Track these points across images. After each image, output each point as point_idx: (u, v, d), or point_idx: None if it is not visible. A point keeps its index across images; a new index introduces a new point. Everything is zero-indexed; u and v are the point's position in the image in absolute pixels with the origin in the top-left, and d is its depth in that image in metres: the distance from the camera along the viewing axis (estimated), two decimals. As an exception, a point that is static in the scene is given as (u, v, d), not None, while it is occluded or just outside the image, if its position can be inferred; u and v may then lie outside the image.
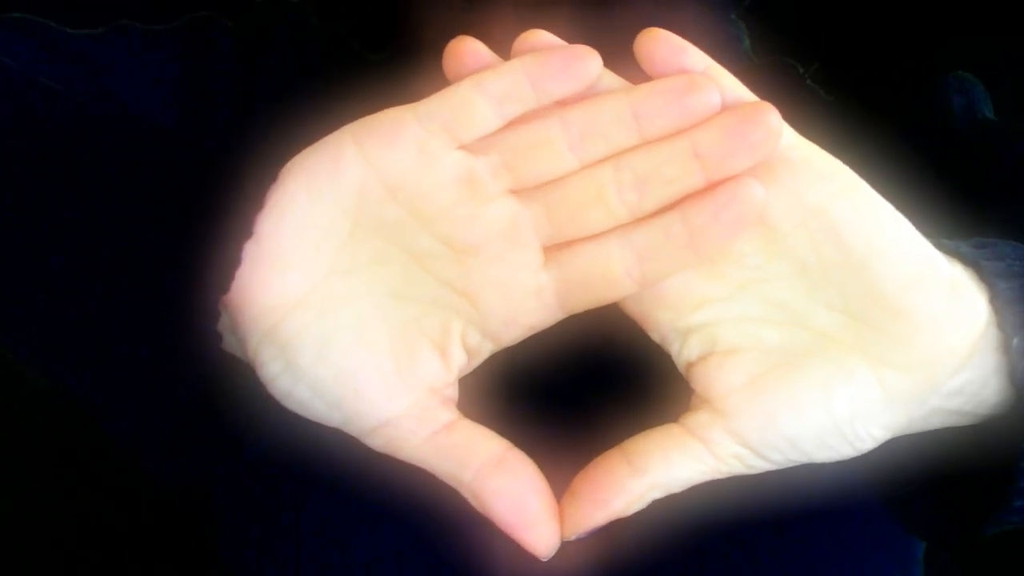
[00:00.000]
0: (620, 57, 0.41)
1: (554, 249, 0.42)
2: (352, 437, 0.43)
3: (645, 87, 0.40)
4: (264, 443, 0.48)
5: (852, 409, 0.41)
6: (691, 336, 0.43)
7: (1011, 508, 0.44)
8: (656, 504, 0.43)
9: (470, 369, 0.44)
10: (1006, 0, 0.72)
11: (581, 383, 0.51)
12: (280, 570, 0.53)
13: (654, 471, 0.42)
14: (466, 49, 0.41)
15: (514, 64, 0.40)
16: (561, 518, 0.42)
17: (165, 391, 0.44)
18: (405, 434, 0.42)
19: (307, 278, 0.41)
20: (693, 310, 0.43)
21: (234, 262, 0.40)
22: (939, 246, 0.42)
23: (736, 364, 0.42)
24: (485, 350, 0.44)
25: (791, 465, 0.43)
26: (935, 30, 0.69)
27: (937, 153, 0.55)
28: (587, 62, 0.40)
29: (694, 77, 0.40)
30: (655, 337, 0.44)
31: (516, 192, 0.42)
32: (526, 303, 0.42)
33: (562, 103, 0.41)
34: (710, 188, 0.40)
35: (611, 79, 0.41)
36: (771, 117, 0.40)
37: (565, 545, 0.42)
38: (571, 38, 0.41)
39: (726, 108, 0.40)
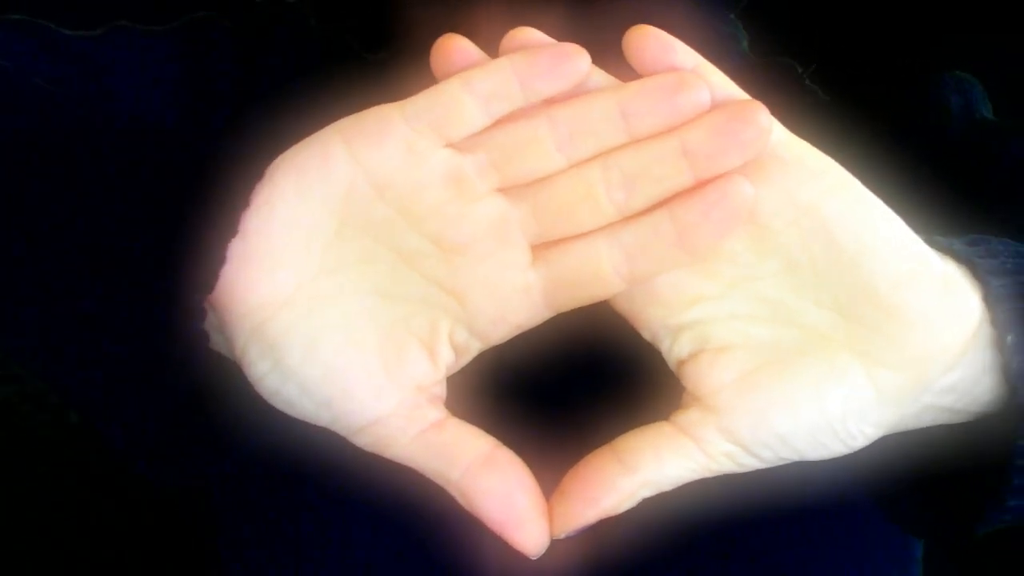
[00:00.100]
0: (611, 55, 0.41)
1: (542, 248, 0.42)
2: (340, 437, 0.43)
3: (633, 85, 0.40)
4: (253, 443, 0.48)
5: (844, 407, 0.41)
6: (682, 334, 0.43)
7: (1005, 507, 0.44)
8: (647, 503, 0.43)
9: (458, 368, 0.44)
10: (1001, -1, 0.72)
11: (571, 381, 0.51)
12: (280, 571, 0.53)
13: (645, 469, 0.42)
14: (454, 47, 0.41)
15: (502, 62, 0.40)
16: (550, 516, 0.42)
17: (153, 390, 0.44)
18: (393, 433, 0.42)
19: (295, 277, 0.41)
20: (684, 308, 0.43)
21: (219, 260, 0.40)
22: (932, 243, 0.42)
23: (727, 362, 0.42)
24: (473, 348, 0.44)
25: (782, 463, 0.43)
26: (931, 28, 0.69)
27: (934, 153, 0.55)
28: (576, 61, 0.40)
29: (683, 75, 0.40)
30: (646, 335, 0.44)
31: (504, 191, 0.41)
32: (514, 301, 0.42)
33: (551, 101, 0.41)
34: (699, 186, 0.40)
35: (600, 77, 0.41)
36: (761, 116, 0.40)
37: (555, 544, 0.42)
38: (561, 36, 0.41)
39: (716, 106, 0.40)
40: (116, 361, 0.43)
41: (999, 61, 0.61)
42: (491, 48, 0.41)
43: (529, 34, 0.40)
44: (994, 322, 0.42)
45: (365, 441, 0.42)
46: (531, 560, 0.42)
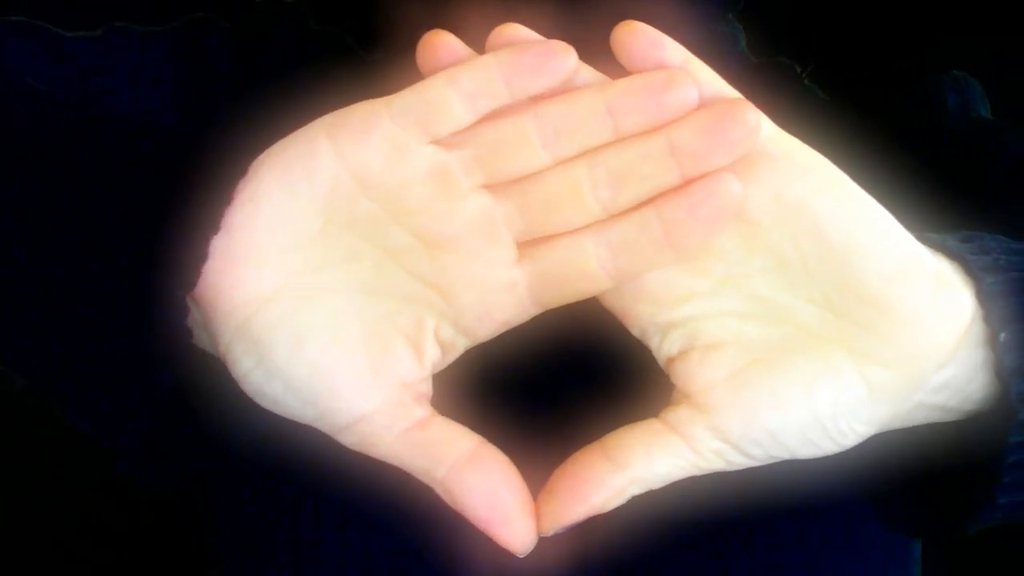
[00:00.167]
0: (601, 52, 0.41)
1: (528, 245, 0.42)
2: (326, 436, 0.43)
3: (620, 83, 0.40)
4: (239, 441, 0.48)
5: (835, 404, 0.41)
6: (672, 331, 0.43)
7: (996, 504, 0.44)
8: (635, 500, 0.43)
9: (444, 365, 0.44)
10: (999, 0, 0.72)
11: (560, 378, 0.51)
12: (278, 571, 0.53)
13: (634, 466, 0.42)
14: (440, 43, 0.40)
15: (487, 59, 0.40)
16: (538, 514, 0.42)
17: (136, 386, 0.44)
18: (378, 431, 0.42)
19: (279, 273, 0.41)
20: (674, 305, 0.42)
21: (201, 256, 0.40)
22: (924, 240, 0.42)
23: (717, 359, 0.42)
24: (459, 346, 0.44)
25: (773, 461, 0.43)
26: (929, 30, 0.69)
27: (931, 152, 0.55)
28: (562, 58, 0.40)
29: (671, 73, 0.40)
30: (635, 332, 0.44)
31: (490, 187, 0.41)
32: (500, 298, 0.42)
33: (537, 97, 0.40)
34: (687, 184, 0.40)
35: (588, 73, 0.41)
36: (749, 114, 0.39)
37: (542, 542, 0.42)
38: (550, 33, 0.41)
39: (704, 104, 0.40)
40: (97, 357, 0.43)
41: (997, 63, 0.60)
42: (481, 45, 0.41)
43: (516, 31, 0.40)
44: (987, 319, 0.41)
45: (350, 439, 0.42)
46: (519, 558, 0.42)
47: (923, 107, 0.57)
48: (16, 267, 0.43)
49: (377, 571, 0.52)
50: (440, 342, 0.43)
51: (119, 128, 0.46)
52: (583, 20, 0.48)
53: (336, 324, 0.41)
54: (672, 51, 0.40)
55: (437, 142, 0.40)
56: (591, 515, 0.42)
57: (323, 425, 0.42)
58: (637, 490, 0.42)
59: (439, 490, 0.42)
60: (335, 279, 0.42)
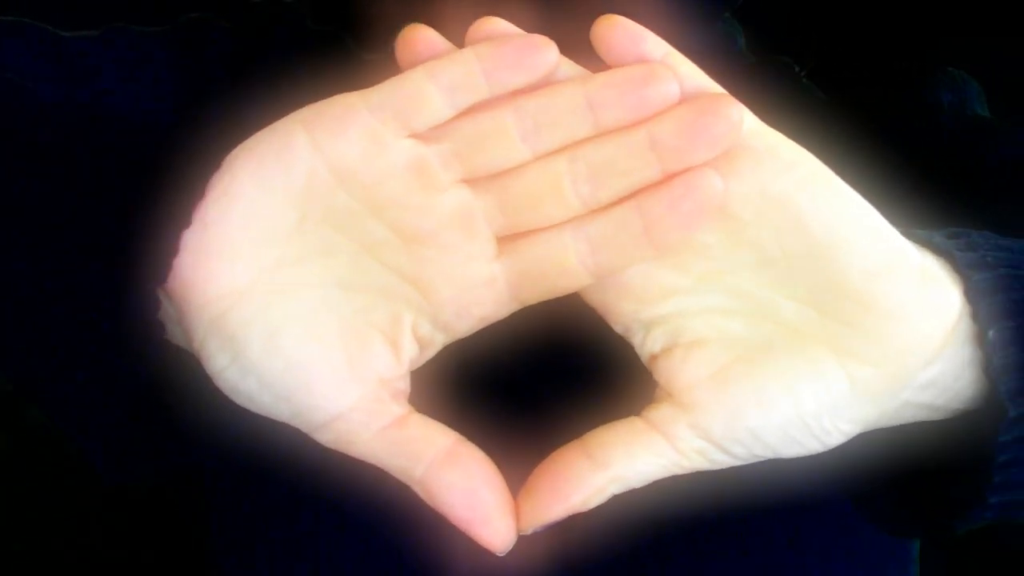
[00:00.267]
0: (583, 47, 0.41)
1: (508, 240, 0.41)
2: (303, 434, 0.42)
3: (601, 76, 0.40)
4: (215, 439, 0.48)
5: (819, 403, 0.41)
6: (654, 328, 0.42)
7: (986, 504, 0.43)
8: (616, 499, 0.42)
9: (423, 361, 0.44)
10: (999, 1, 0.71)
11: (541, 376, 0.51)
12: (274, 571, 0.53)
13: (615, 465, 0.41)
14: (419, 37, 0.40)
15: (467, 53, 0.39)
16: (518, 513, 0.41)
17: (107, 382, 0.44)
18: (355, 428, 0.41)
19: (255, 268, 0.41)
20: (656, 301, 0.42)
21: (172, 250, 0.40)
22: (911, 236, 0.42)
23: (700, 357, 0.42)
24: (438, 341, 0.43)
25: (756, 460, 0.42)
26: (928, 30, 0.68)
27: (926, 152, 0.55)
28: (543, 53, 0.39)
29: (652, 67, 0.39)
30: (618, 328, 0.44)
31: (469, 182, 0.41)
32: (478, 294, 0.42)
33: (518, 92, 0.40)
34: (668, 179, 0.40)
35: (569, 67, 0.40)
36: (732, 109, 0.39)
37: (522, 540, 0.42)
38: (531, 27, 0.40)
39: (685, 98, 0.40)
40: (69, 352, 0.43)
41: (996, 63, 0.60)
42: (461, 40, 0.41)
43: (496, 24, 0.40)
44: (975, 316, 0.41)
45: (327, 437, 0.42)
46: (498, 558, 0.41)
47: (919, 106, 0.57)
48: None
49: (374, 571, 0.52)
50: (418, 338, 0.42)
51: (109, 127, 0.46)
52: (567, 16, 0.48)
53: (312, 319, 0.41)
54: (653, 45, 0.40)
55: (415, 136, 0.40)
56: (571, 514, 0.41)
57: (299, 423, 0.42)
58: (618, 489, 0.42)
59: (417, 489, 0.41)
60: (311, 274, 0.41)
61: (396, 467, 0.41)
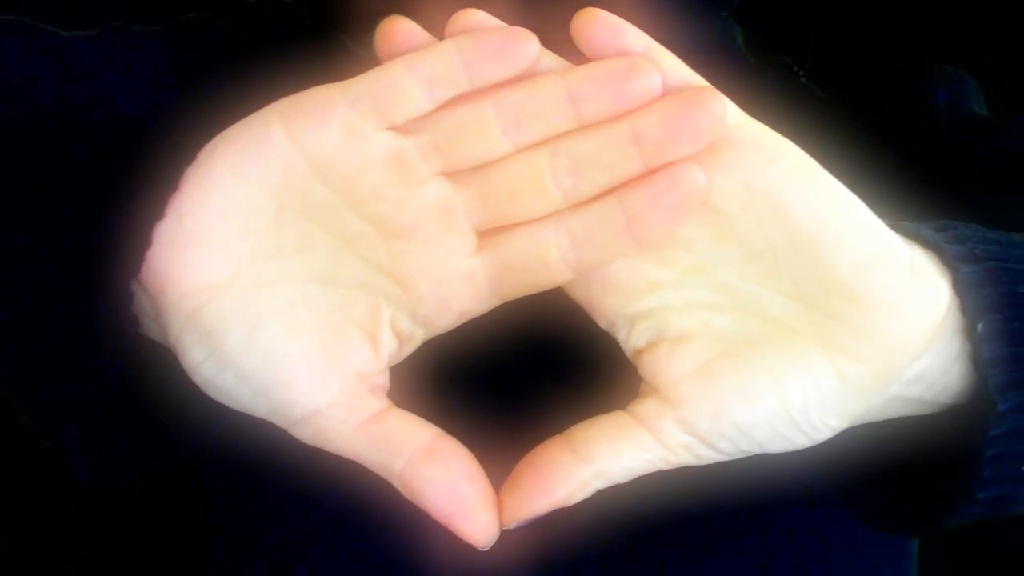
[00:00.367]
0: (564, 39, 0.40)
1: (488, 234, 0.41)
2: (281, 432, 0.42)
3: (582, 69, 0.39)
4: (188, 436, 0.48)
5: (805, 397, 0.40)
6: (639, 323, 0.42)
7: (974, 500, 0.43)
8: (601, 495, 0.42)
9: (402, 356, 0.43)
10: (997, 0, 0.71)
11: (525, 371, 0.51)
12: (271, 570, 0.53)
13: (600, 459, 0.41)
14: (398, 29, 0.40)
15: (446, 45, 0.39)
16: (501, 507, 0.41)
17: (81, 377, 0.44)
18: (334, 424, 0.41)
19: (232, 261, 0.40)
20: (641, 296, 0.42)
21: (144, 243, 0.39)
22: (899, 229, 0.41)
23: (685, 352, 0.41)
24: (417, 337, 0.43)
25: (743, 456, 0.42)
26: (926, 29, 0.68)
27: (921, 151, 0.54)
28: (524, 45, 0.39)
29: (634, 60, 0.39)
30: (602, 324, 0.43)
31: (449, 175, 0.41)
32: (458, 288, 0.41)
33: (499, 85, 0.40)
34: (650, 173, 0.39)
35: (550, 60, 0.40)
36: (715, 102, 0.39)
37: (504, 536, 0.41)
38: (514, 21, 0.40)
39: (668, 91, 0.39)
40: (44, 346, 0.43)
41: (995, 63, 0.60)
42: (442, 33, 0.40)
43: (476, 17, 0.39)
44: (964, 309, 0.41)
45: (306, 434, 0.41)
46: (482, 553, 0.41)
47: (917, 106, 0.56)
48: None
49: (375, 570, 0.51)
50: (397, 333, 0.42)
51: (109, 127, 0.46)
52: (549, 9, 0.47)
53: (290, 314, 0.41)
54: (633, 38, 0.39)
55: (394, 128, 0.40)
56: (555, 508, 0.41)
57: (277, 419, 0.41)
58: (602, 484, 0.42)
59: (397, 484, 0.41)
60: (289, 267, 0.41)
61: (375, 462, 0.41)
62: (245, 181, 0.40)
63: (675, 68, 0.40)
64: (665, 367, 0.41)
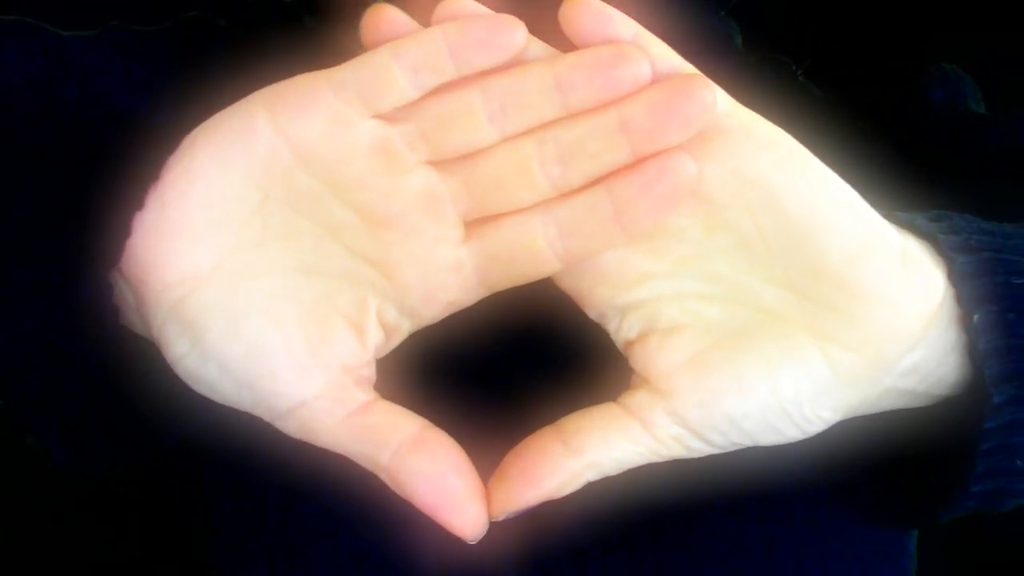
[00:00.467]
0: (553, 27, 0.40)
1: (475, 224, 0.41)
2: (266, 424, 0.42)
3: (569, 57, 0.39)
4: (171, 430, 0.47)
5: (798, 389, 0.40)
6: (630, 314, 0.42)
7: (969, 493, 0.42)
8: (592, 487, 0.41)
9: (389, 348, 0.43)
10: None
11: (515, 362, 0.50)
12: (270, 568, 0.53)
13: (590, 451, 0.41)
14: (384, 16, 0.39)
15: (433, 32, 0.39)
16: (489, 498, 0.41)
17: (64, 368, 0.43)
18: (320, 416, 0.40)
19: (215, 251, 0.40)
20: (631, 287, 0.41)
21: (123, 233, 0.39)
22: (893, 219, 0.41)
23: (677, 343, 0.41)
24: (404, 328, 0.42)
25: (735, 448, 0.41)
26: (924, 27, 0.68)
27: (918, 148, 0.54)
28: (511, 32, 0.39)
29: (622, 47, 0.39)
30: (592, 315, 0.43)
31: (435, 164, 0.40)
32: (445, 279, 0.41)
33: (486, 73, 0.39)
34: (639, 162, 0.39)
35: (537, 47, 0.40)
36: (704, 90, 0.38)
37: (493, 528, 0.41)
38: (500, 6, 0.40)
39: (657, 79, 0.39)
40: (22, 337, 0.42)
41: (994, 60, 0.60)
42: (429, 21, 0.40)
43: (463, 4, 0.39)
44: (959, 300, 0.40)
45: (291, 427, 0.41)
46: (469, 545, 0.40)
47: (914, 103, 0.56)
48: None
49: (375, 570, 0.51)
50: (383, 324, 0.42)
51: (108, 126, 0.46)
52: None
53: (274, 304, 0.40)
54: (621, 25, 0.39)
55: (380, 116, 0.39)
56: (544, 500, 0.41)
57: (262, 411, 0.41)
58: (593, 476, 0.41)
59: (383, 476, 0.40)
60: (273, 257, 0.41)
61: (361, 455, 0.41)
62: (228, 170, 0.39)
63: (664, 56, 0.39)
64: (656, 358, 0.41)
